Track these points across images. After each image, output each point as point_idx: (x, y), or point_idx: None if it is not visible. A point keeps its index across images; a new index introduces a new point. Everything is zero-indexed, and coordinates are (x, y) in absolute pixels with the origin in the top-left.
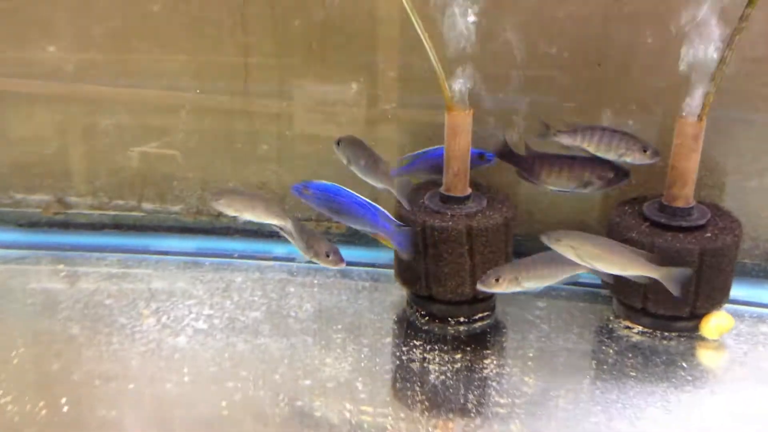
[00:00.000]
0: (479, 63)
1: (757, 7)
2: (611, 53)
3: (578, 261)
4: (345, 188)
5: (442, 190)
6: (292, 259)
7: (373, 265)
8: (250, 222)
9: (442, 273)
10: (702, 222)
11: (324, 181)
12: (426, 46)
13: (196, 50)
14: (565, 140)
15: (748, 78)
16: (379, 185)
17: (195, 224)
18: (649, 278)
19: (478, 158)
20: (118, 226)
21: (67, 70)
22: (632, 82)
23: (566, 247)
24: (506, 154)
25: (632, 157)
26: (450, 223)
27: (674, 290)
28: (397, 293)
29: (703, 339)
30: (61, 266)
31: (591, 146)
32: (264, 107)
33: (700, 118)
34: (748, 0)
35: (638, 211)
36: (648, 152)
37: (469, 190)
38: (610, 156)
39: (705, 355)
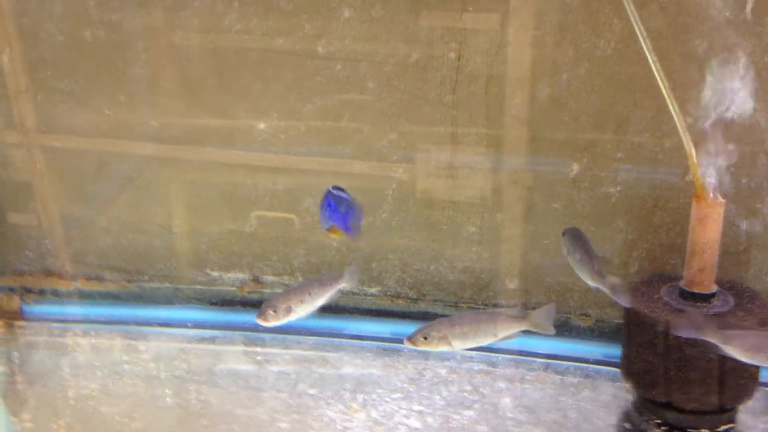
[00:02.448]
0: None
1: None
2: None
3: (451, 349)
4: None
5: (682, 284)
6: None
7: (581, 360)
8: (452, 306)
9: (686, 379)
10: None
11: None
12: (678, 125)
13: (408, 126)
14: None
15: None
16: (590, 283)
17: (392, 307)
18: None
19: None
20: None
21: (276, 145)
22: None
23: (439, 341)
24: None
25: None
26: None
27: (547, 330)
28: (613, 393)
29: None
30: (255, 348)
31: None
32: (470, 188)
33: None
34: None
35: None
36: None
37: (714, 287)
38: None
39: None
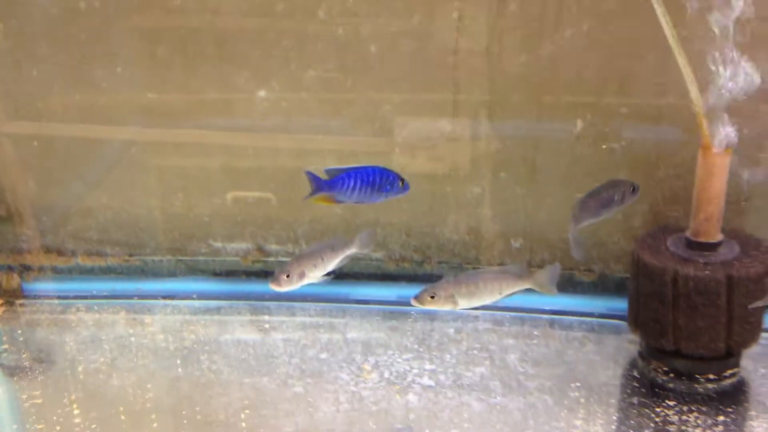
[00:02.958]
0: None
1: None
2: None
3: (456, 308)
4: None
5: (688, 235)
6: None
7: (585, 315)
8: (457, 268)
9: (695, 327)
10: None
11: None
12: (686, 76)
13: (411, 90)
14: None
15: None
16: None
17: (397, 271)
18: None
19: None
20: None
21: (277, 114)
22: None
23: (445, 300)
24: None
25: None
26: (707, 272)
27: (551, 291)
28: (618, 345)
29: None
30: (261, 316)
31: None
32: (474, 149)
33: None
34: None
35: None
36: None
37: (720, 236)
38: None
39: None
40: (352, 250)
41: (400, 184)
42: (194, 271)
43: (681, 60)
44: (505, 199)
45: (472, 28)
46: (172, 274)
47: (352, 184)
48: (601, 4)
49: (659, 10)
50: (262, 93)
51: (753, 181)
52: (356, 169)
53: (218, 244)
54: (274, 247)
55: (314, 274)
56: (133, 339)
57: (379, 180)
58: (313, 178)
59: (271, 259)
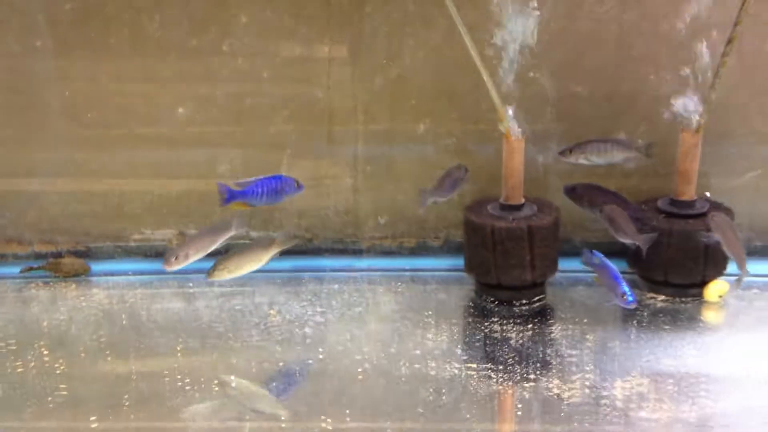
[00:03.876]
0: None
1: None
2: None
3: (235, 276)
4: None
5: (501, 200)
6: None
7: (436, 270)
8: (338, 242)
9: (508, 265)
10: None
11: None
12: (490, 88)
13: (297, 105)
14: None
15: None
16: None
17: (293, 247)
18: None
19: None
20: (228, 251)
21: (192, 129)
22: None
23: (223, 272)
24: None
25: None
26: (514, 224)
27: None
28: (461, 289)
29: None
30: (185, 288)
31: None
32: (345, 147)
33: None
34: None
35: None
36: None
37: (523, 200)
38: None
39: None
40: (231, 233)
41: (296, 186)
42: (129, 253)
43: (485, 76)
44: (372, 187)
45: (339, 58)
46: (111, 256)
47: (260, 191)
48: (430, 38)
49: (468, 42)
50: (180, 109)
51: (545, 163)
52: (262, 179)
53: (148, 231)
54: (194, 232)
55: (198, 255)
56: (84, 303)
57: (280, 185)
58: (227, 190)
59: None
